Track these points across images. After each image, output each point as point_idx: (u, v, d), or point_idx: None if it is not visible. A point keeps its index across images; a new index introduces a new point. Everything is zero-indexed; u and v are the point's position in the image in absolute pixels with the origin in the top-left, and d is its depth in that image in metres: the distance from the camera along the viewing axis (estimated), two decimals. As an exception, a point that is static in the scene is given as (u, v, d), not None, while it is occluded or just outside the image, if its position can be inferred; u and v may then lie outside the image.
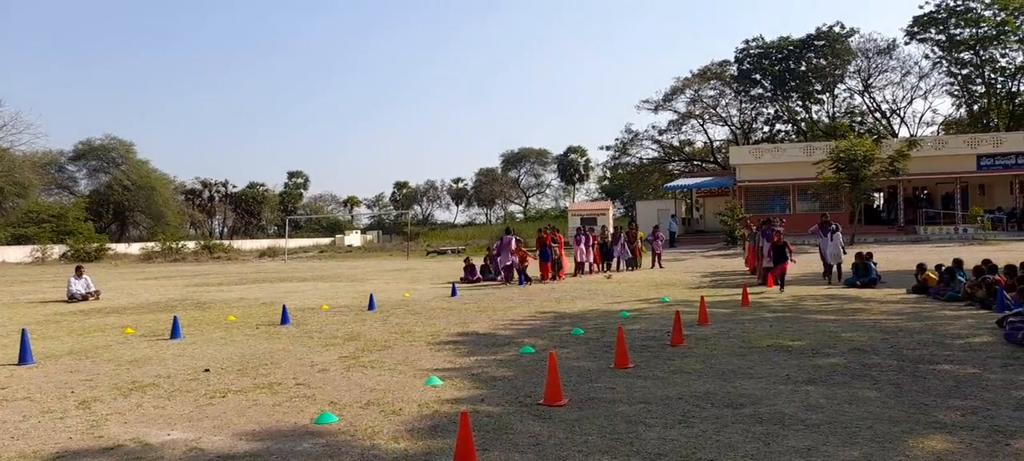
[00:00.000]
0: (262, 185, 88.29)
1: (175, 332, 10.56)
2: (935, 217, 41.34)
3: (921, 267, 14.77)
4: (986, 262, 13.33)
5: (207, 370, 7.99)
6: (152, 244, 51.27)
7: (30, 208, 56.28)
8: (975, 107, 57.76)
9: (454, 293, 16.38)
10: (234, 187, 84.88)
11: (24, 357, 8.70)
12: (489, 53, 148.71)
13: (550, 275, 20.50)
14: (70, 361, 8.84)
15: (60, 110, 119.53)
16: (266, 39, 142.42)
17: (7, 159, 58.61)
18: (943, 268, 14.10)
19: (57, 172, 71.03)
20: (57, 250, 47.15)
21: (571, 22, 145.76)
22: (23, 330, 9.47)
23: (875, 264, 16.87)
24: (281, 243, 54.33)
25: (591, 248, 23.41)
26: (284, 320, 12.04)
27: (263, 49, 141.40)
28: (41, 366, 8.51)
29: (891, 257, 23.46)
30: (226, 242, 58.02)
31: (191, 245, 50.80)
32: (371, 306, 13.96)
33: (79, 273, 18.07)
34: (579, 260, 22.81)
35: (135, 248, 52.43)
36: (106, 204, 66.84)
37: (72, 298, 17.23)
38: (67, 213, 56.07)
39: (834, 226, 18.04)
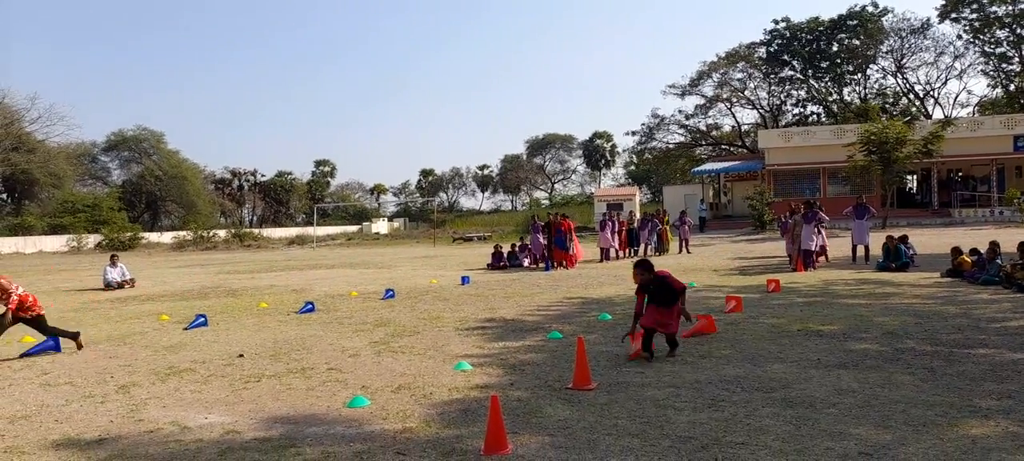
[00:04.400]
0: (290, 173, 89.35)
1: (195, 322, 10.66)
2: (970, 200, 40.50)
3: (957, 251, 14.50)
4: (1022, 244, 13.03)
5: (241, 355, 8.14)
6: (184, 233, 52.19)
7: (65, 198, 57.60)
8: (1012, 87, 56.38)
9: (465, 282, 16.27)
10: (263, 176, 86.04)
11: (55, 343, 8.84)
12: (515, 39, 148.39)
13: (559, 261, 20.22)
14: (109, 347, 9.05)
15: (91, 102, 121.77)
16: (293, 28, 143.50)
17: (42, 151, 59.96)
18: (983, 251, 13.83)
19: (90, 163, 72.58)
20: (92, 239, 48.18)
21: (596, 7, 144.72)
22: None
23: (911, 247, 16.62)
24: (309, 231, 54.95)
25: (616, 234, 23.30)
26: (305, 309, 12.19)
27: (290, 38, 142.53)
28: (81, 352, 8.72)
29: (925, 240, 23.07)
30: (256, 230, 58.82)
31: (222, 234, 51.60)
32: (387, 295, 13.81)
33: (114, 262, 18.45)
34: (603, 246, 22.70)
35: (167, 237, 53.42)
36: (139, 194, 68.16)
37: (108, 286, 17.61)
38: (101, 203, 57.27)
39: (870, 210, 18.33)
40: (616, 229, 23.31)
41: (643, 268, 7.47)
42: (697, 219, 41.72)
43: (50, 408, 6.12)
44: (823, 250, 18.00)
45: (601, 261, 22.17)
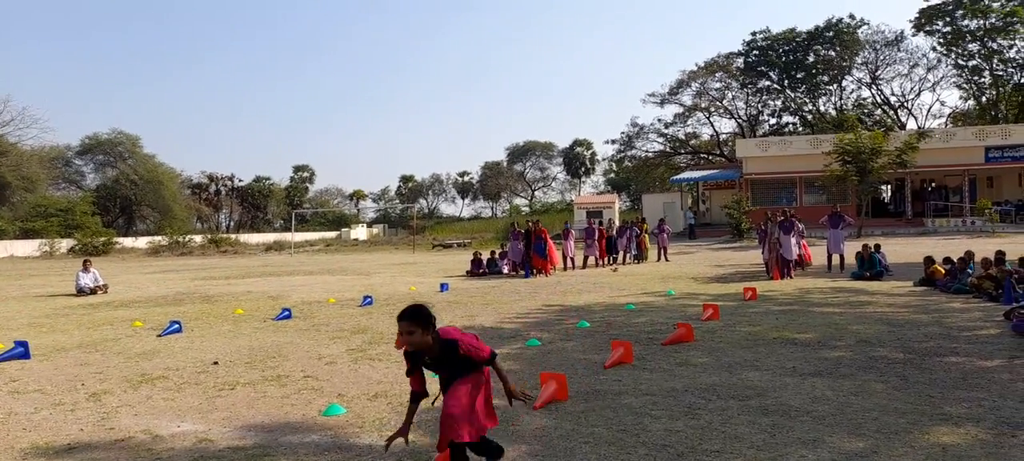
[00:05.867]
0: (268, 179, 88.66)
1: (169, 329, 10.53)
2: (943, 210, 41.19)
3: (929, 260, 14.74)
4: (1000, 253, 13.25)
5: (216, 363, 8.04)
6: (159, 238, 51.57)
7: (38, 202, 56.64)
8: (983, 99, 57.50)
9: (444, 289, 16.36)
10: (240, 181, 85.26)
11: (24, 349, 8.68)
12: (494, 46, 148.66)
13: (538, 268, 20.22)
14: (80, 354, 8.91)
15: (65, 104, 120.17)
16: (270, 32, 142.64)
17: (15, 154, 58.97)
18: (955, 260, 14.04)
19: (64, 166, 71.45)
20: (65, 244, 47.43)
21: (575, 15, 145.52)
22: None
23: (883, 256, 16.85)
24: (287, 237, 54.51)
25: (597, 242, 23.28)
26: (281, 316, 12.09)
27: (267, 42, 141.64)
28: (51, 359, 8.57)
29: (898, 249, 23.41)
30: (232, 236, 58.24)
31: (198, 239, 51.05)
32: (365, 302, 13.78)
33: (87, 267, 18.18)
34: (568, 254, 22.49)
35: (142, 242, 52.73)
36: (113, 198, 67.24)
37: (80, 292, 17.34)
38: (75, 207, 56.39)
39: (845, 219, 18.62)
40: (597, 236, 23.36)
41: (413, 320, 4.13)
42: (685, 226, 42.14)
43: (19, 416, 6.00)
44: (802, 259, 18.21)
45: (565, 269, 21.92)
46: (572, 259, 22.57)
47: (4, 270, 31.29)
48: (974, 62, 55.44)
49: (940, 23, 54.51)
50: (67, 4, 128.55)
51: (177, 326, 10.64)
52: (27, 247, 47.48)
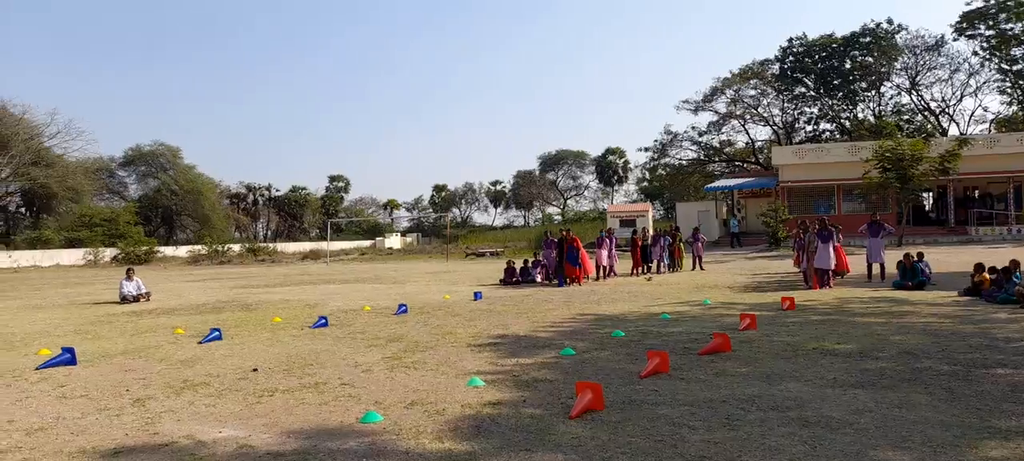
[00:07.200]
0: (304, 189, 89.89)
1: (210, 336, 10.74)
2: (987, 218, 40.13)
3: (979, 267, 14.21)
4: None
5: (255, 370, 8.17)
6: (199, 247, 52.52)
7: (83, 212, 58.19)
8: (1028, 104, 56.00)
9: (478, 297, 16.34)
10: (277, 191, 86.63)
11: (71, 355, 8.92)
12: (527, 57, 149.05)
13: (571, 277, 20.12)
14: (124, 360, 9.12)
15: (110, 117, 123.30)
16: (307, 43, 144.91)
17: (61, 165, 60.76)
18: (999, 269, 13.65)
19: (108, 177, 73.33)
20: (109, 253, 48.58)
21: (609, 25, 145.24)
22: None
23: (926, 265, 16.43)
24: (323, 246, 55.13)
25: (613, 251, 23.07)
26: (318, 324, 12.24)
27: (304, 53, 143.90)
28: (97, 365, 8.79)
29: (941, 258, 22.84)
30: (270, 245, 59.11)
31: (236, 248, 51.87)
32: (400, 310, 13.84)
33: (130, 275, 18.59)
34: (601, 263, 22.23)
35: (183, 251, 53.79)
36: (155, 208, 68.81)
37: (124, 300, 17.74)
38: (118, 217, 57.79)
39: (885, 227, 18.24)
40: (615, 245, 23.22)
41: None
42: (728, 234, 41.91)
43: (66, 421, 6.16)
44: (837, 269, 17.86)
45: (596, 279, 21.70)
46: (605, 267, 22.41)
47: (51, 278, 32.18)
48: (1019, 67, 54.03)
49: (982, 27, 53.25)
50: (110, 23, 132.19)
51: (217, 333, 10.84)
52: (72, 256, 48.75)
